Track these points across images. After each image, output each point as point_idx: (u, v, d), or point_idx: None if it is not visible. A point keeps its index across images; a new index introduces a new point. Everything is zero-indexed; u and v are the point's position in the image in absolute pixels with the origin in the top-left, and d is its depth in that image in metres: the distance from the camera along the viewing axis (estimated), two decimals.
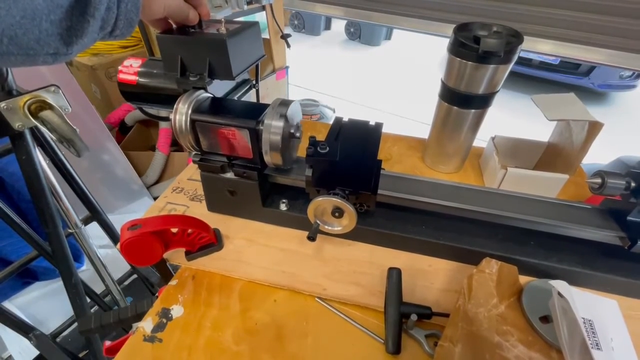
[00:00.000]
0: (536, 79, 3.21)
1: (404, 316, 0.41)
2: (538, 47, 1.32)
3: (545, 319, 0.41)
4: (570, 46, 1.27)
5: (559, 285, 0.40)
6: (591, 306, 0.38)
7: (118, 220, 0.68)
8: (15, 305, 1.14)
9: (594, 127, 0.53)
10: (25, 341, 0.80)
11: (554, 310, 0.40)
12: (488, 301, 0.41)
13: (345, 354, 0.41)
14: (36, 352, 1.06)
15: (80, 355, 0.92)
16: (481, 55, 0.51)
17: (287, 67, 1.86)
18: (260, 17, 1.57)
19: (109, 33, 0.31)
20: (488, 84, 0.55)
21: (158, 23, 0.44)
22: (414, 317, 0.41)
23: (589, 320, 0.37)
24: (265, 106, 0.47)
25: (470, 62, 0.54)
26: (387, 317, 0.42)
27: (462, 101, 0.59)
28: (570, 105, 0.57)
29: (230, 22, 0.49)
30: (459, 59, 0.55)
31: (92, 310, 0.90)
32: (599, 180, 0.43)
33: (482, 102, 0.58)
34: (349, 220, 0.46)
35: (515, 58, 0.53)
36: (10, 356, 1.07)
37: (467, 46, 0.53)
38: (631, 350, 0.37)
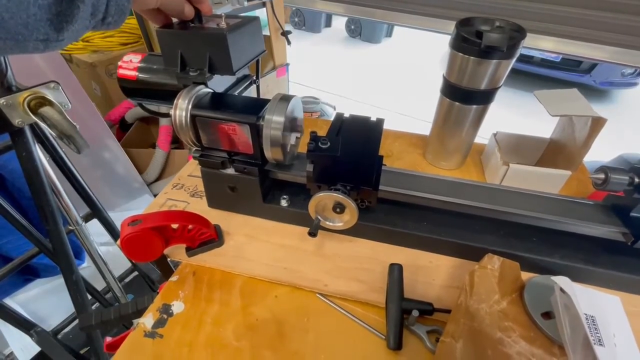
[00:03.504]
0: (537, 76, 3.20)
1: (405, 312, 0.41)
2: (540, 44, 1.32)
3: (548, 315, 0.40)
4: (572, 43, 1.27)
5: (561, 281, 0.40)
6: (594, 302, 0.38)
7: (118, 218, 0.68)
8: (16, 302, 1.15)
9: (597, 123, 0.53)
10: (26, 338, 0.80)
11: (556, 307, 0.39)
12: (490, 297, 0.40)
13: (346, 350, 0.41)
14: (37, 349, 1.06)
15: (82, 351, 0.92)
16: (484, 50, 0.51)
17: (287, 65, 1.85)
18: (261, 13, 1.55)
19: (101, 20, 0.31)
20: (490, 79, 0.55)
21: (153, 15, 0.44)
22: (415, 313, 0.40)
23: (592, 317, 0.36)
24: (266, 101, 0.46)
25: (472, 57, 0.53)
26: (388, 313, 0.42)
27: (464, 97, 0.59)
28: (573, 101, 0.57)
29: (230, 17, 0.48)
30: (461, 54, 0.54)
31: (93, 307, 0.90)
32: (602, 176, 0.43)
33: (484, 97, 0.58)
34: (350, 216, 0.45)
35: (518, 53, 0.53)
36: (11, 353, 1.08)
37: (469, 41, 0.52)
38: (634, 346, 0.37)
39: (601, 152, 0.97)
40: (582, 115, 0.54)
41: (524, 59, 3.05)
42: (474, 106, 0.59)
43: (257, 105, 0.46)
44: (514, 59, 0.53)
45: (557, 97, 0.57)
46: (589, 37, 1.23)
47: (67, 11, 0.28)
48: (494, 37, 0.50)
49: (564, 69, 2.95)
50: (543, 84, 3.22)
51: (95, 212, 0.85)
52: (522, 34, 0.53)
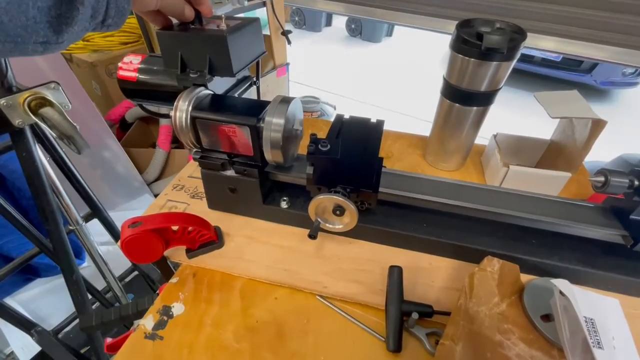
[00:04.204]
0: (538, 76, 3.19)
1: (405, 314, 0.41)
2: (541, 44, 1.32)
3: (547, 318, 0.41)
4: (573, 43, 1.27)
5: (561, 283, 0.40)
6: (593, 305, 0.38)
7: (119, 217, 0.68)
8: (17, 301, 1.15)
9: (597, 125, 0.53)
10: (27, 337, 0.80)
11: (555, 309, 0.39)
12: (489, 299, 0.41)
13: (346, 352, 0.41)
14: (38, 349, 1.07)
15: (82, 351, 0.93)
16: (484, 52, 0.51)
17: (287, 64, 1.85)
18: (261, 13, 1.56)
19: (101, 22, 0.31)
20: (490, 81, 0.55)
21: (153, 17, 0.44)
22: (415, 315, 0.40)
23: (591, 319, 0.36)
24: (266, 103, 0.46)
25: (472, 59, 0.53)
26: (388, 315, 0.42)
27: (464, 98, 0.59)
28: (573, 103, 0.57)
29: (230, 18, 0.48)
30: (461, 55, 0.54)
31: (93, 307, 0.90)
32: (602, 179, 0.43)
33: (484, 99, 0.58)
34: (350, 219, 0.45)
35: (519, 55, 0.53)
36: (12, 352, 1.08)
37: (469, 43, 0.52)
38: (633, 349, 0.37)
39: (601, 152, 0.97)
40: (582, 117, 0.54)
41: (525, 58, 3.05)
42: (474, 108, 0.59)
43: (257, 107, 0.46)
44: (515, 61, 0.53)
45: (557, 98, 0.57)
46: (589, 37, 1.23)
47: (67, 14, 0.27)
48: (494, 39, 0.50)
49: (565, 68, 2.94)
50: (544, 84, 3.22)
51: (96, 212, 0.85)
52: (522, 36, 0.53)
